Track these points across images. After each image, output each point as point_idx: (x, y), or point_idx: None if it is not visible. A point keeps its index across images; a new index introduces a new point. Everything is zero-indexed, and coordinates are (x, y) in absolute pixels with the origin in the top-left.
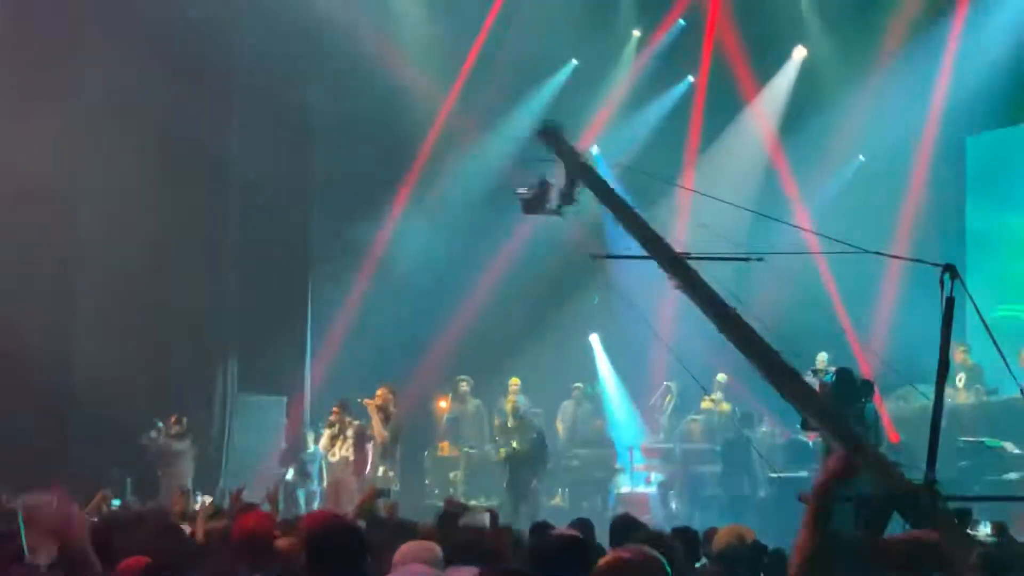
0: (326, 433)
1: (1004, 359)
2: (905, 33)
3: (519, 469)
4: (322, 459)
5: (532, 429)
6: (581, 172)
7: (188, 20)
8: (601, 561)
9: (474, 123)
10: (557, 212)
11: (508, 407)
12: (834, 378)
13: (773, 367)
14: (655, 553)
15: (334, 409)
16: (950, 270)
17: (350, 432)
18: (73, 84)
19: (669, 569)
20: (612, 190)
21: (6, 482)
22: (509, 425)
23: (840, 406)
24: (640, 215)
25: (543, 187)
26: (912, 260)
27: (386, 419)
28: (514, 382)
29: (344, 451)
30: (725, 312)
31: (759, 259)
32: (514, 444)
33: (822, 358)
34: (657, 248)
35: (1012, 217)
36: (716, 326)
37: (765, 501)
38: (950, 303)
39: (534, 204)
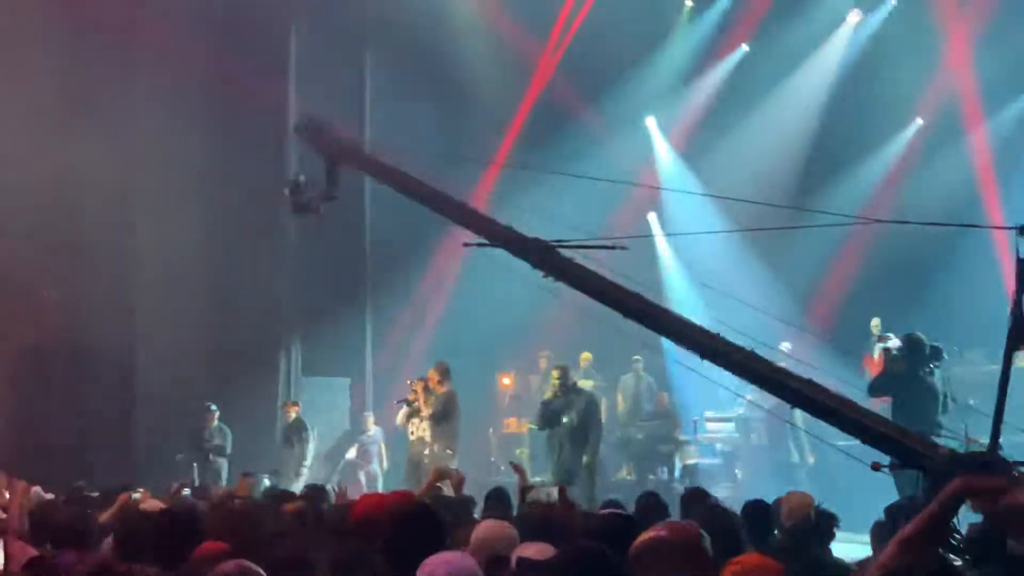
0: (404, 410)
1: None
2: None
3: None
4: (381, 440)
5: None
6: (350, 159)
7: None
8: (638, 540)
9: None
10: (317, 211)
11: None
12: (903, 344)
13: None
14: (694, 529)
15: (413, 388)
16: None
17: (426, 411)
18: (126, 84)
19: (734, 541)
20: (397, 171)
21: (75, 473)
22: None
23: (911, 372)
24: (447, 196)
25: (298, 186)
26: (979, 227)
27: (429, 396)
28: (585, 357)
29: (420, 430)
30: (619, 295)
31: (623, 248)
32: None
33: (876, 323)
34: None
35: None
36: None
37: (815, 467)
38: (1021, 264)
39: (299, 205)
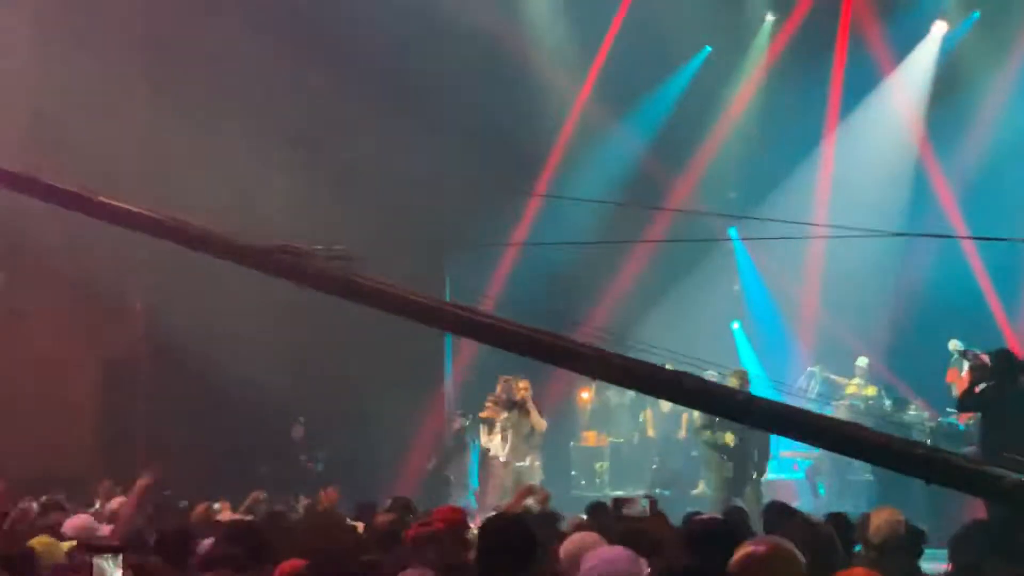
0: (484, 426)
1: None
2: None
3: (744, 461)
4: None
5: None
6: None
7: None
8: (736, 555)
9: (610, 113)
10: None
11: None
12: (994, 359)
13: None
14: (788, 545)
15: (489, 402)
16: None
17: (498, 423)
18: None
19: (830, 555)
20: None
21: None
22: None
23: (1002, 388)
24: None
25: None
26: None
27: (507, 409)
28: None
29: (493, 443)
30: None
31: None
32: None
33: (954, 344)
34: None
35: None
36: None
37: (911, 482)
38: None
39: None
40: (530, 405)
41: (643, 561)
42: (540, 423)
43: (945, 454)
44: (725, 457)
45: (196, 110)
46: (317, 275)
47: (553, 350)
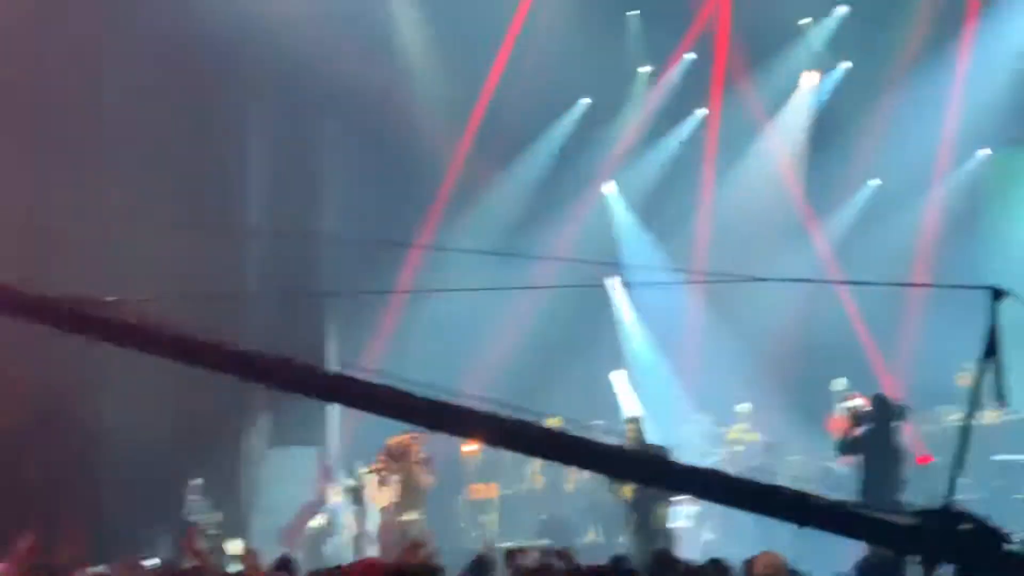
0: (374, 480)
1: None
2: (915, 55)
3: (650, 506)
4: (348, 510)
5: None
6: None
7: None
8: None
9: (489, 166)
10: None
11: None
12: (872, 404)
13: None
14: None
15: (380, 456)
16: (993, 291)
17: (395, 477)
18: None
19: None
20: None
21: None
22: None
23: (880, 432)
24: None
25: None
26: (954, 287)
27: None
28: (553, 423)
29: (391, 497)
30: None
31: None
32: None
33: (840, 383)
34: None
35: None
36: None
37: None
38: (990, 323)
39: None
40: (417, 460)
41: None
42: (427, 480)
43: (817, 498)
44: (629, 507)
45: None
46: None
47: (427, 415)
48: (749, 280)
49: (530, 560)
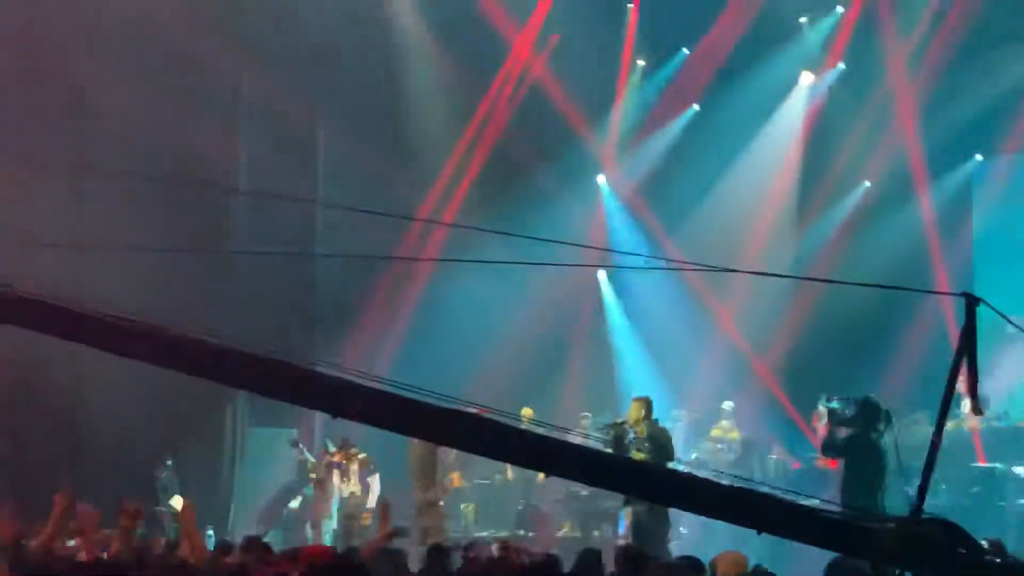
0: (336, 473)
1: None
2: (906, 57)
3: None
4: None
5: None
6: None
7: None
8: None
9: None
10: None
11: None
12: (858, 407)
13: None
14: None
15: (335, 452)
16: (968, 298)
17: (354, 467)
18: (79, 136)
19: None
20: None
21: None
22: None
23: (864, 434)
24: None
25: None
26: (930, 292)
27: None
28: (526, 413)
29: (352, 486)
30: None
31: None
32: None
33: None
34: None
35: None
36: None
37: None
38: (966, 331)
39: None
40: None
41: None
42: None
43: (786, 504)
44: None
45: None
46: None
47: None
48: (734, 272)
49: (486, 553)
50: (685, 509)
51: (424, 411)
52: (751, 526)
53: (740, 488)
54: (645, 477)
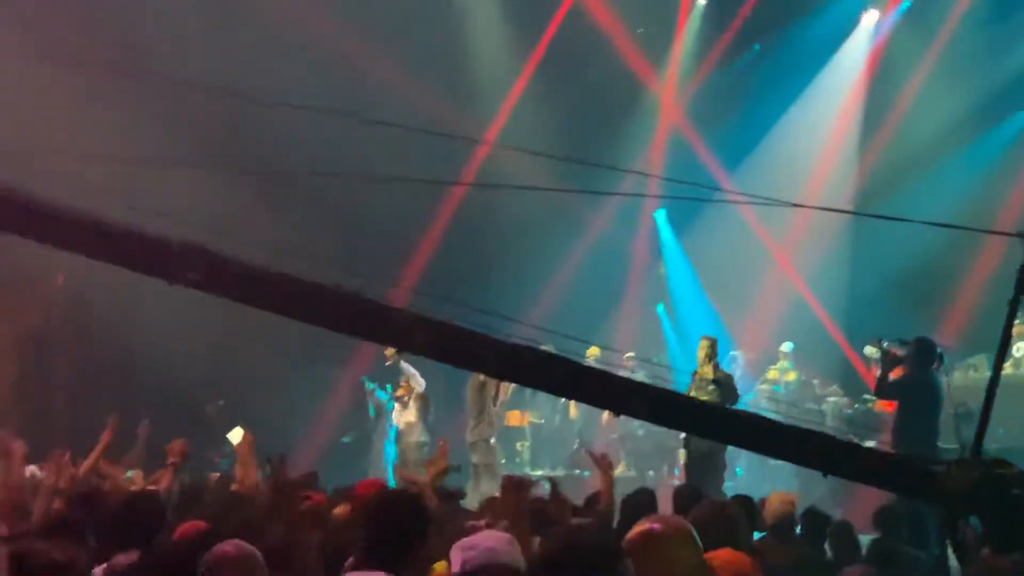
0: (396, 406)
1: None
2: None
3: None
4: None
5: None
6: None
7: None
8: (631, 533)
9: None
10: None
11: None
12: (914, 347)
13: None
14: (684, 523)
15: (401, 383)
16: None
17: (411, 398)
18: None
19: (734, 536)
20: None
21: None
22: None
23: (921, 375)
24: None
25: None
26: (986, 232)
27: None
28: (592, 353)
29: (409, 417)
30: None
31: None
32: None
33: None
34: None
35: None
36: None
37: None
38: (1021, 271)
39: None
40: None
41: (533, 541)
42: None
43: (844, 445)
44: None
45: None
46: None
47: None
48: (794, 206)
49: (538, 491)
50: (750, 449)
51: (495, 347)
52: (816, 467)
53: (807, 429)
54: (715, 417)
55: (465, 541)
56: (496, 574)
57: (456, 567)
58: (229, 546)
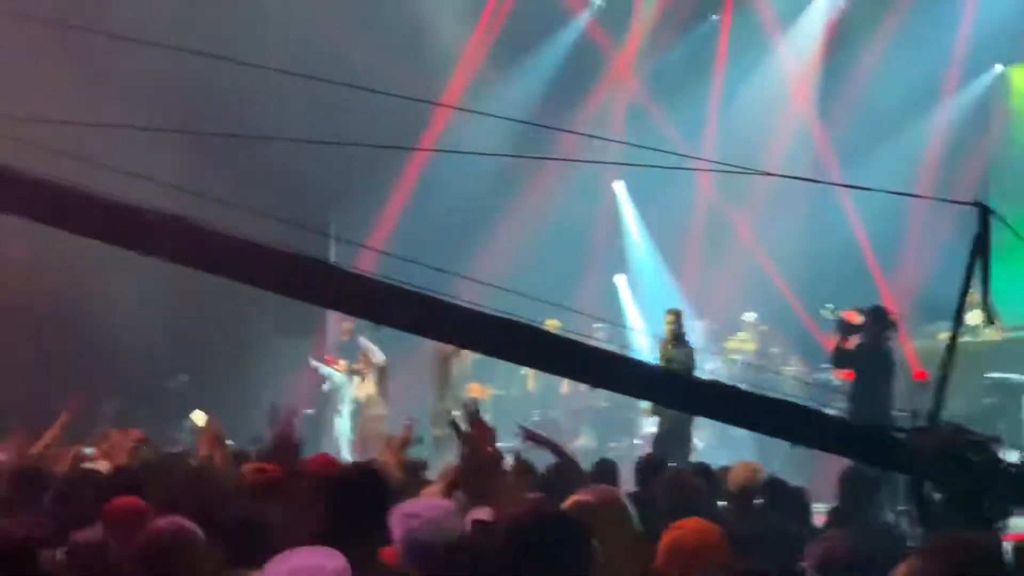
0: (355, 380)
1: None
2: None
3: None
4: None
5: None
6: None
7: None
8: (564, 504)
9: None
10: None
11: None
12: (869, 316)
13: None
14: (618, 495)
15: (360, 357)
16: (981, 208)
17: (370, 369)
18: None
19: (695, 505)
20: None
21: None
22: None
23: (872, 343)
24: None
25: None
26: (943, 201)
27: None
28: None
29: (368, 389)
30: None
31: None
32: None
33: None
34: None
35: None
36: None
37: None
38: (977, 240)
39: None
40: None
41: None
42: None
43: (809, 412)
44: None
45: None
46: None
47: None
48: (752, 173)
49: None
50: (720, 419)
51: (474, 318)
52: (786, 437)
53: (776, 398)
54: (688, 387)
55: (406, 507)
56: (438, 544)
57: (397, 534)
58: (165, 521)
